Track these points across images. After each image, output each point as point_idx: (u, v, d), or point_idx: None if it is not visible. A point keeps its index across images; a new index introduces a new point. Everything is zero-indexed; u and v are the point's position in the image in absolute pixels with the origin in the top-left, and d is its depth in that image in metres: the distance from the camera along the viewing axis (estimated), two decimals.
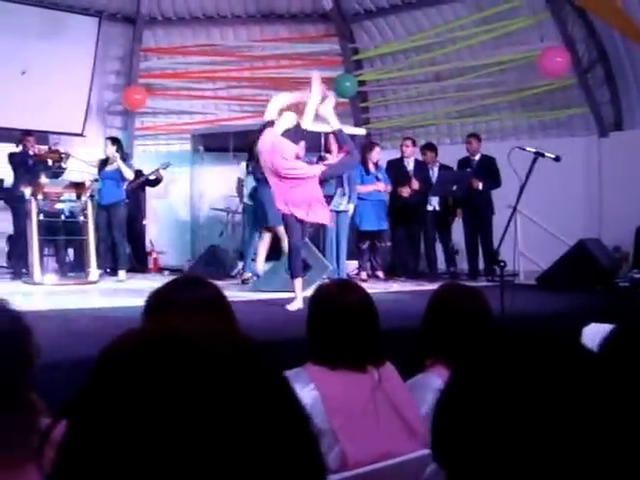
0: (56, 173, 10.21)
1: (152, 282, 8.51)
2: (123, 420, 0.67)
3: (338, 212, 9.56)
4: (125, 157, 10.48)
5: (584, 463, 0.83)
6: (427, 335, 2.97)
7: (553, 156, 6.71)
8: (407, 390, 2.64)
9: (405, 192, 10.15)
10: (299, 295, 6.62)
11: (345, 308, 2.51)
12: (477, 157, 10.26)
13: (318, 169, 6.97)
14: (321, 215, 6.89)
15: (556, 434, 0.84)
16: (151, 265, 11.85)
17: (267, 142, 6.80)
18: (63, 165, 10.42)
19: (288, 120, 6.96)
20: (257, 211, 9.51)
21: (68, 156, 10.45)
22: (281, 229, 8.95)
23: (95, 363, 0.74)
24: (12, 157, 10.22)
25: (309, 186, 6.72)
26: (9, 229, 10.96)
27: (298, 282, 6.78)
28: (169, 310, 2.02)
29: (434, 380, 2.76)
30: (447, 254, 10.54)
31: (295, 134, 6.93)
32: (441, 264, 10.58)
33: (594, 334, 2.80)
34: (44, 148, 10.62)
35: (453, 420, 0.91)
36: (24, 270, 9.71)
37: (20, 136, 10.47)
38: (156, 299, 2.24)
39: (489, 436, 0.86)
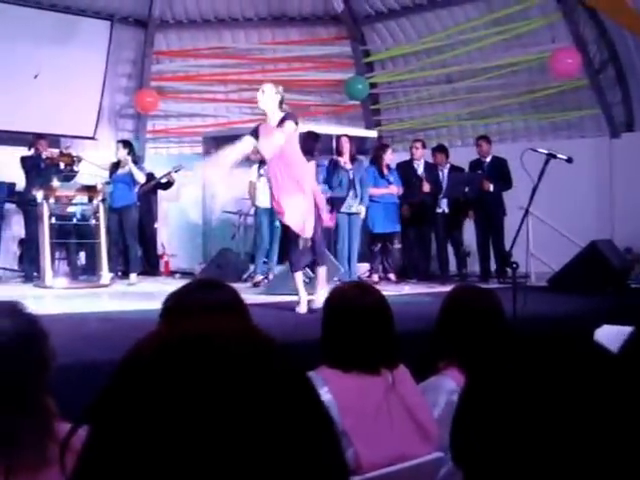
0: (68, 176, 10.26)
1: (163, 285, 8.55)
2: (147, 424, 0.67)
3: (350, 214, 9.57)
4: (137, 160, 10.51)
5: (604, 464, 0.83)
6: (440, 337, 2.97)
7: (565, 157, 6.70)
8: (420, 393, 2.64)
9: (426, 187, 10.17)
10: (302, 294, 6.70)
11: (361, 310, 2.50)
12: (488, 159, 10.25)
13: None
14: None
15: (575, 434, 0.84)
16: (162, 268, 11.88)
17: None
18: (75, 168, 10.45)
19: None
20: None
21: (80, 159, 10.48)
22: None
23: (117, 367, 0.74)
24: (24, 161, 10.26)
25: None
26: (21, 232, 11.02)
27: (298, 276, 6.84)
28: (186, 312, 2.02)
29: (447, 382, 2.75)
30: (458, 256, 10.52)
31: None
32: (452, 266, 10.56)
33: (606, 335, 2.80)
34: (56, 151, 10.66)
35: (471, 422, 0.91)
36: (36, 273, 9.75)
37: (32, 139, 10.52)
38: (173, 301, 2.24)
39: (507, 437, 0.86)
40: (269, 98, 6.93)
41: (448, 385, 2.74)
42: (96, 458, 0.69)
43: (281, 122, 6.72)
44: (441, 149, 10.74)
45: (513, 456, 0.86)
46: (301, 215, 6.66)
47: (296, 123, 6.80)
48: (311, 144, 9.39)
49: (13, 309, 1.98)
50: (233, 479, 0.66)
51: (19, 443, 1.77)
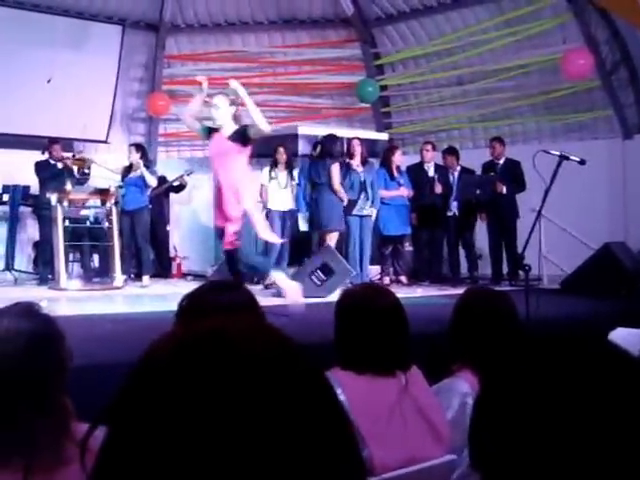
0: (81, 180, 10.32)
1: (176, 287, 8.59)
2: (164, 423, 0.67)
3: (361, 217, 9.58)
4: (149, 164, 10.57)
5: (624, 467, 0.83)
6: (454, 339, 2.97)
7: (578, 159, 6.68)
8: (433, 394, 2.64)
9: (438, 189, 10.18)
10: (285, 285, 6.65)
11: (376, 312, 2.50)
12: (502, 161, 10.23)
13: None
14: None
15: (594, 435, 0.84)
16: (174, 271, 11.92)
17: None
18: (86, 171, 10.52)
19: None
20: (313, 215, 9.54)
21: (92, 163, 10.54)
22: (334, 235, 9.13)
23: (134, 367, 0.74)
24: (38, 166, 10.32)
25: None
26: (35, 235, 11.09)
27: (277, 275, 6.80)
28: (202, 313, 2.04)
29: (460, 385, 2.76)
30: (469, 258, 10.51)
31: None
32: (463, 269, 10.55)
33: (622, 338, 2.80)
34: (69, 155, 10.72)
35: (488, 425, 0.91)
36: (50, 276, 9.81)
37: (46, 144, 10.58)
38: (189, 302, 2.26)
39: (524, 441, 0.86)
40: (224, 112, 6.84)
41: (461, 387, 2.75)
42: (114, 458, 0.69)
43: (235, 134, 6.67)
44: (452, 151, 10.74)
45: (531, 459, 0.86)
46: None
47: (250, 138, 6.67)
48: (331, 146, 9.43)
49: (29, 310, 2.00)
50: (251, 479, 0.66)
51: (37, 443, 1.79)
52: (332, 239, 9.28)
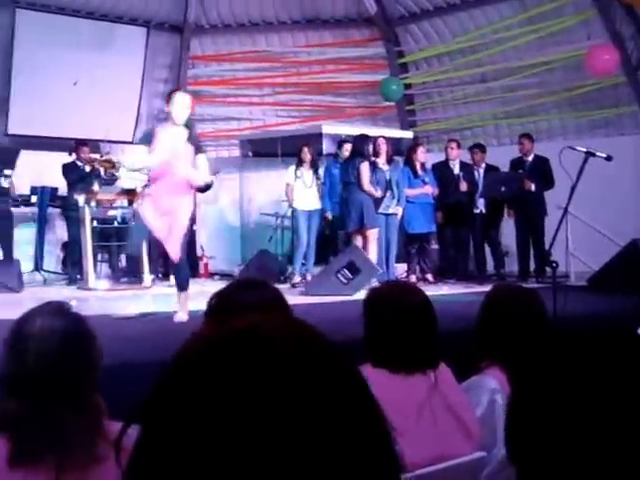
0: (109, 181, 10.40)
1: (203, 287, 8.61)
2: (198, 421, 0.67)
3: (387, 215, 9.58)
4: None
5: None
6: (481, 337, 2.97)
7: (604, 155, 6.64)
8: (462, 392, 2.65)
9: (463, 187, 10.17)
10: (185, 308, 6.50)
11: (407, 310, 2.51)
12: (530, 157, 10.18)
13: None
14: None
15: (626, 427, 0.86)
16: (202, 270, 11.97)
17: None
18: (116, 174, 10.59)
19: None
20: (344, 215, 9.54)
21: (120, 165, 10.60)
22: (374, 232, 9.11)
23: (167, 365, 0.73)
24: (65, 167, 10.42)
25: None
26: (64, 236, 11.20)
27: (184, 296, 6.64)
28: (231, 312, 2.06)
29: (489, 381, 2.76)
30: (495, 256, 10.48)
31: None
32: (489, 266, 10.52)
33: None
34: (96, 157, 10.81)
35: (523, 421, 0.93)
36: (78, 276, 9.90)
37: (73, 145, 10.68)
38: (218, 301, 2.29)
39: (559, 435, 0.88)
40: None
41: (490, 384, 2.74)
42: (148, 456, 0.69)
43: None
44: (480, 147, 10.70)
45: (565, 453, 0.87)
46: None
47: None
48: (362, 146, 9.45)
49: (61, 309, 2.04)
50: (285, 477, 0.65)
51: (70, 441, 1.81)
52: (371, 237, 9.22)
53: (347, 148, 9.97)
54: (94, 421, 1.89)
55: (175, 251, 6.50)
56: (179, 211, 6.50)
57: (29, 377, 1.88)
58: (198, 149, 6.54)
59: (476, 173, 10.42)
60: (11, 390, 1.89)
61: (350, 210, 9.21)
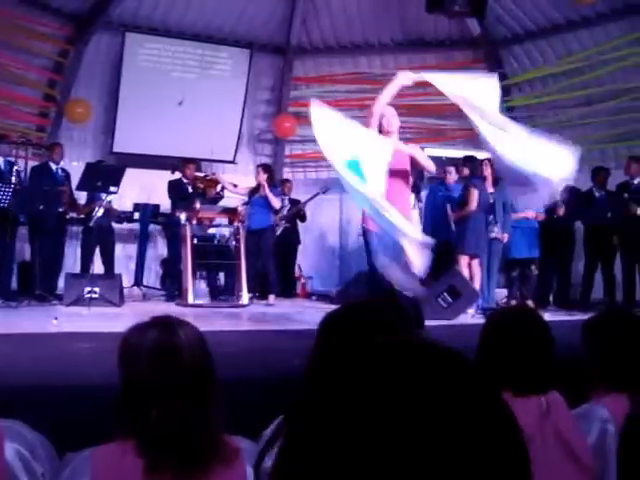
0: (213, 200, 10.61)
1: (301, 307, 8.65)
2: (350, 432, 0.67)
3: (490, 240, 9.39)
4: (276, 184, 10.75)
5: None
6: (591, 364, 2.86)
7: None
8: (575, 420, 2.55)
9: (560, 211, 9.93)
10: None
11: (525, 335, 2.48)
12: (636, 181, 9.86)
13: None
14: None
15: None
16: (299, 290, 12.03)
17: None
18: (221, 193, 10.81)
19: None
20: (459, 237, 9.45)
21: (223, 187, 10.77)
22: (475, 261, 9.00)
23: (333, 370, 0.73)
24: (171, 185, 10.68)
25: None
26: (163, 252, 11.44)
27: None
28: (345, 332, 2.01)
29: (600, 410, 2.65)
30: (607, 282, 10.10)
31: None
32: (594, 293, 10.18)
33: None
34: (200, 175, 11.06)
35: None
36: (177, 292, 10.07)
37: (176, 164, 10.93)
38: (332, 321, 2.25)
39: None
40: None
41: (601, 413, 2.64)
42: (295, 458, 0.70)
43: None
44: (603, 171, 10.44)
45: None
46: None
47: None
48: (476, 168, 9.38)
49: (173, 324, 2.06)
50: None
51: (189, 451, 1.84)
52: (474, 264, 9.07)
53: (450, 171, 9.85)
54: (212, 433, 1.91)
55: None
56: None
57: (166, 384, 1.90)
58: None
59: (597, 193, 10.14)
60: (139, 397, 1.90)
61: (466, 234, 9.07)
